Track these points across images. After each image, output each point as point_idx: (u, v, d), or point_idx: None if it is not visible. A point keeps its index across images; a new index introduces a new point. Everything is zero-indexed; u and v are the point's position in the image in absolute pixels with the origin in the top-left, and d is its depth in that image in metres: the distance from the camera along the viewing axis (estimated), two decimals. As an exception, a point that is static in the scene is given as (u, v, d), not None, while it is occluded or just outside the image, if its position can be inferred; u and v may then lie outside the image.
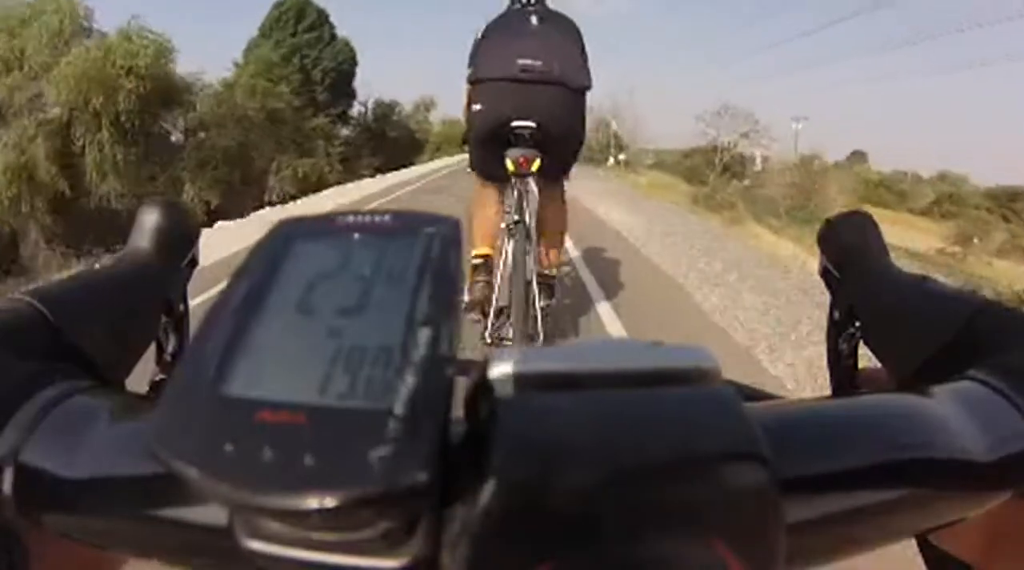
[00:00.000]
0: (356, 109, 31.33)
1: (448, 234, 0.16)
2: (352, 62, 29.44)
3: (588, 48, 1.97)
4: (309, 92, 25.54)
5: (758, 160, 28.56)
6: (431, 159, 29.04)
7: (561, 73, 1.81)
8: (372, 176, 17.50)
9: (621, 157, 28.97)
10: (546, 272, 2.14)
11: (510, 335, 1.81)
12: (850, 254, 0.29)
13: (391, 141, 31.04)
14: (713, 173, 26.90)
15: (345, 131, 28.64)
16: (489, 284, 1.97)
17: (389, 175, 17.01)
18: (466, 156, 2.11)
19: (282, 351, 0.14)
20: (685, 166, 29.98)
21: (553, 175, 2.02)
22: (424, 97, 38.69)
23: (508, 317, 1.85)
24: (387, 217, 0.17)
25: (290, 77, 23.51)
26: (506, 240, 1.91)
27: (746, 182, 24.63)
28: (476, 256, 2.04)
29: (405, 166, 23.35)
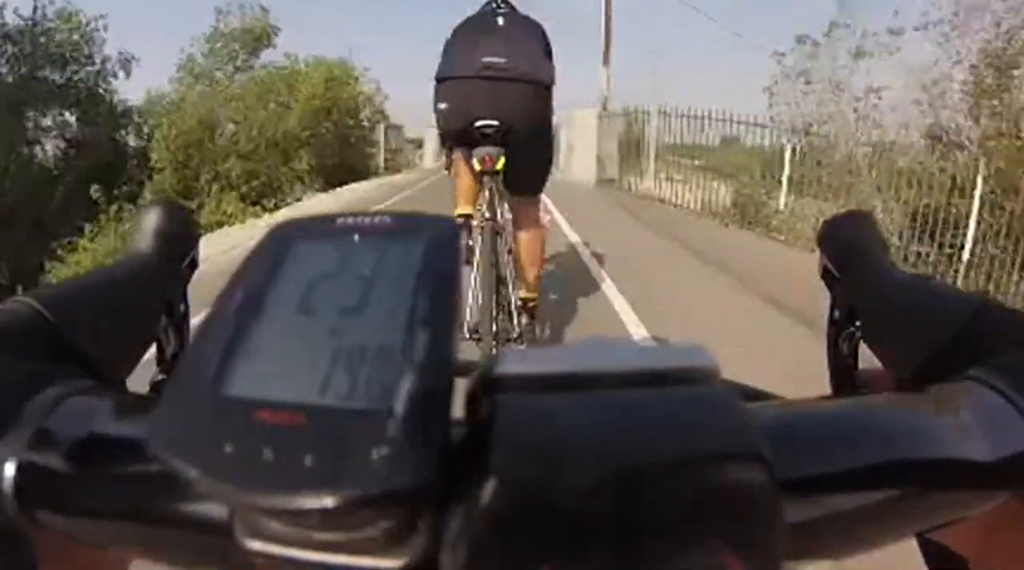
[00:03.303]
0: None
1: (448, 235, 0.17)
2: None
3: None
4: None
5: None
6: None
7: (525, 70, 1.82)
8: None
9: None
10: (524, 295, 2.12)
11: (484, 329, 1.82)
12: (850, 254, 0.29)
13: None
14: None
15: None
16: (470, 248, 1.95)
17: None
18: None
19: (282, 351, 0.14)
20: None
21: (525, 188, 2.01)
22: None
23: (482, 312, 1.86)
24: (387, 218, 0.17)
25: None
26: (478, 237, 1.91)
27: None
28: (459, 215, 2.06)
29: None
